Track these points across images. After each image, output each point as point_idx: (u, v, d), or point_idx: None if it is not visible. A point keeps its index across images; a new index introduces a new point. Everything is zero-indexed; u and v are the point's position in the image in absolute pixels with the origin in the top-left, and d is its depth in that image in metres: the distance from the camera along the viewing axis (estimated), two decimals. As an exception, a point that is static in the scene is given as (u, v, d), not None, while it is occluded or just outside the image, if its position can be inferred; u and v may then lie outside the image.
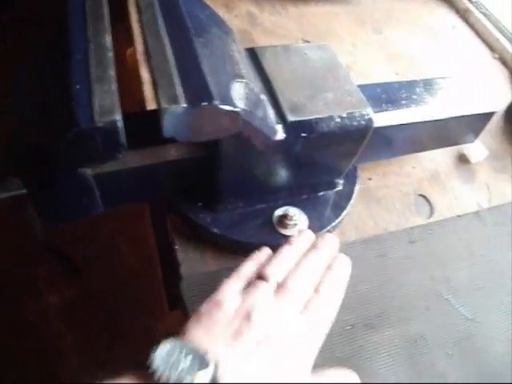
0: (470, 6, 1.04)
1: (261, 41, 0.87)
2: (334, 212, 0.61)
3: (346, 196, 0.63)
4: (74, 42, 0.44)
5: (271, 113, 0.50)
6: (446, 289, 0.59)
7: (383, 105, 0.59)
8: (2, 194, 0.45)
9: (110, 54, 0.43)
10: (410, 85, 0.64)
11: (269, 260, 0.48)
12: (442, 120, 0.62)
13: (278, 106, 0.51)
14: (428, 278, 0.60)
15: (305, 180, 0.59)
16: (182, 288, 0.54)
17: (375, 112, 0.55)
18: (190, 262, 0.56)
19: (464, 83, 0.67)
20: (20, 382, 1.26)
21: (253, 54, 0.56)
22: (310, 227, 0.57)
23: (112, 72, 0.41)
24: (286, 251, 0.49)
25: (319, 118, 0.51)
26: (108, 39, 0.44)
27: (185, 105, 0.39)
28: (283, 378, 0.41)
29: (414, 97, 0.62)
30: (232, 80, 0.45)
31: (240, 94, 0.44)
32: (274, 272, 0.46)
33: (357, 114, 0.53)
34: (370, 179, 0.69)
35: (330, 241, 0.51)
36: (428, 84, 0.65)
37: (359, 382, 0.46)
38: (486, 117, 0.66)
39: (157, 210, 0.84)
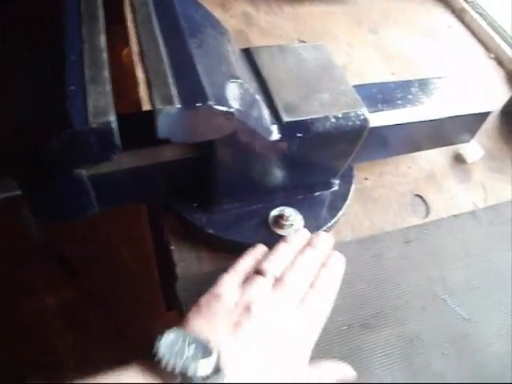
0: (465, 5, 1.04)
1: (257, 41, 0.87)
2: (330, 212, 0.61)
3: (342, 196, 0.63)
4: (68, 43, 0.44)
5: (266, 113, 0.50)
6: (442, 288, 0.59)
7: (379, 105, 0.59)
8: (-3, 195, 0.45)
9: (105, 55, 0.43)
10: (406, 85, 0.64)
11: (265, 256, 0.50)
12: (438, 120, 0.62)
13: (274, 107, 0.51)
14: (424, 278, 0.60)
15: (300, 180, 0.59)
16: (177, 288, 0.54)
17: (370, 112, 0.55)
18: (186, 262, 0.56)
19: (460, 83, 0.67)
20: (20, 382, 1.26)
21: (248, 55, 0.56)
22: (305, 227, 0.57)
23: (106, 73, 0.41)
24: (282, 248, 0.51)
25: (314, 119, 0.51)
26: (102, 40, 0.44)
27: (179, 105, 0.39)
28: (282, 368, 0.43)
29: (410, 97, 0.62)
30: (227, 80, 0.45)
31: (235, 94, 0.44)
32: (272, 267, 0.48)
33: (352, 114, 0.53)
34: (366, 179, 0.69)
35: (325, 239, 0.53)
36: (424, 84, 0.65)
37: (354, 374, 0.48)
38: (482, 117, 0.66)
39: (153, 210, 0.84)
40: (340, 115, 0.52)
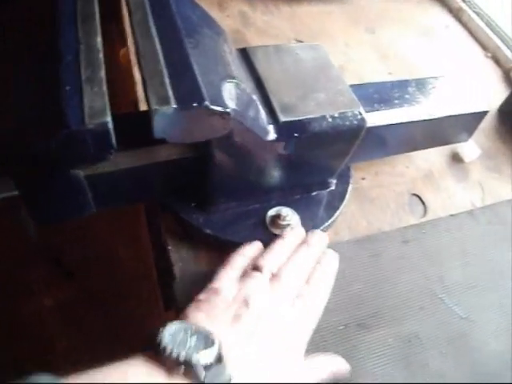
0: (462, 5, 1.04)
1: (253, 41, 0.87)
2: (327, 212, 0.61)
3: (339, 196, 0.63)
4: (64, 43, 0.44)
5: (263, 113, 0.50)
6: (440, 288, 0.59)
7: (375, 104, 0.59)
8: (-5, 196, 0.45)
9: (101, 56, 0.43)
10: (403, 84, 0.64)
11: (261, 252, 0.52)
12: (435, 119, 0.62)
13: (270, 107, 0.51)
14: (422, 278, 0.60)
15: (297, 180, 0.59)
16: (175, 288, 0.54)
17: (367, 112, 0.55)
18: (183, 262, 0.56)
19: (457, 82, 0.67)
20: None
21: (244, 54, 0.56)
22: (303, 227, 0.57)
23: (102, 73, 0.41)
24: (278, 246, 0.52)
25: (311, 118, 0.51)
26: (99, 40, 0.44)
27: (175, 106, 0.39)
28: (279, 361, 0.44)
29: (407, 96, 0.62)
30: (223, 80, 0.45)
31: (231, 94, 0.44)
32: (268, 264, 0.49)
33: (349, 114, 0.53)
34: (363, 179, 0.69)
35: (320, 237, 0.55)
36: (421, 83, 0.65)
37: (347, 367, 0.49)
38: (479, 116, 0.66)
39: (151, 210, 0.84)
40: (337, 115, 0.52)
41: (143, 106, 0.65)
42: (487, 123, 0.81)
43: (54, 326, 1.48)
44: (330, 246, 0.55)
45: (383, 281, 0.58)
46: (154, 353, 0.38)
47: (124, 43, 0.78)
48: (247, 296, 0.45)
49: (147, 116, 0.39)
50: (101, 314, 1.49)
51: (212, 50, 0.49)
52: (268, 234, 0.56)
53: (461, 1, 1.05)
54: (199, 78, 0.42)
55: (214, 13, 0.89)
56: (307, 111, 0.51)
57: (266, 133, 0.49)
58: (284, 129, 0.50)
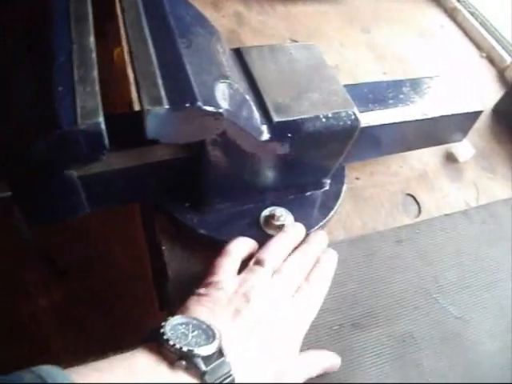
0: (457, 5, 1.04)
1: (249, 41, 0.87)
2: (322, 212, 0.61)
3: (334, 196, 0.63)
4: (57, 44, 0.43)
5: (256, 113, 0.50)
6: (435, 287, 0.59)
7: (370, 104, 0.59)
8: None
9: (94, 56, 0.43)
10: (397, 84, 0.64)
11: (263, 247, 0.52)
12: (430, 119, 0.62)
13: (264, 107, 0.51)
14: (416, 277, 0.60)
15: (291, 180, 0.59)
16: (169, 288, 0.54)
17: (361, 112, 0.55)
18: (177, 262, 0.56)
19: (451, 82, 0.68)
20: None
21: (239, 54, 0.56)
22: (297, 227, 0.57)
23: (95, 73, 0.41)
24: (280, 239, 0.53)
25: (305, 118, 0.51)
26: (91, 40, 0.44)
27: (167, 106, 0.39)
28: (277, 356, 0.44)
29: (401, 96, 0.62)
30: (216, 81, 0.45)
31: (224, 94, 0.44)
32: (270, 258, 0.50)
33: (343, 114, 0.53)
34: (357, 179, 0.69)
35: (321, 237, 0.56)
36: (415, 83, 0.65)
37: (339, 362, 0.50)
38: (474, 116, 0.67)
39: (146, 210, 0.84)
40: (330, 115, 0.52)
41: (138, 107, 0.65)
42: (482, 123, 0.81)
43: (50, 325, 1.48)
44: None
45: (378, 280, 0.58)
46: (157, 346, 0.38)
47: (118, 43, 0.78)
48: (248, 291, 0.46)
49: (140, 116, 0.39)
50: (97, 313, 1.49)
51: (205, 50, 0.49)
52: (262, 235, 0.56)
53: (456, 1, 1.05)
54: (192, 79, 0.42)
55: (209, 13, 0.89)
56: (301, 111, 0.51)
57: (260, 133, 0.49)
58: (277, 129, 0.50)
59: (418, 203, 0.68)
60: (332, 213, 0.61)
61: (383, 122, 0.59)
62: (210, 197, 0.56)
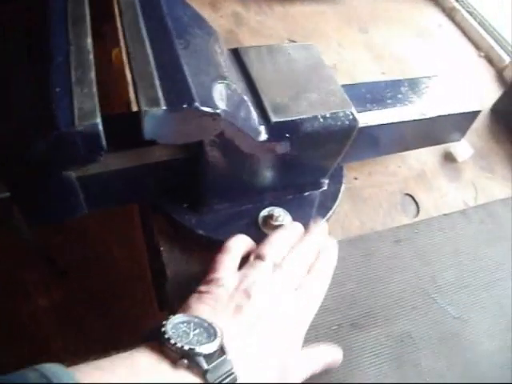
0: (456, 4, 1.04)
1: (247, 41, 0.87)
2: (320, 212, 0.61)
3: (332, 196, 0.63)
4: (55, 45, 0.43)
5: (254, 114, 0.50)
6: (433, 287, 0.59)
7: (368, 104, 0.59)
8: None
9: (91, 57, 0.43)
10: (396, 84, 0.64)
11: (263, 242, 0.52)
12: (428, 119, 0.62)
13: (262, 107, 0.51)
14: (414, 277, 0.60)
15: (290, 180, 0.59)
16: (167, 288, 0.54)
17: (359, 112, 0.55)
18: (176, 262, 0.56)
19: (450, 82, 0.68)
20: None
21: (237, 55, 0.56)
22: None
23: (92, 74, 0.41)
24: (279, 234, 0.53)
25: (303, 119, 0.51)
26: (89, 42, 0.44)
27: (165, 107, 0.39)
28: (279, 352, 0.44)
29: (400, 96, 0.62)
30: (214, 81, 0.45)
31: (222, 95, 0.44)
32: (271, 253, 0.49)
33: (340, 114, 0.53)
34: (355, 179, 0.69)
35: (321, 227, 0.55)
36: (413, 83, 0.65)
37: (341, 356, 0.50)
38: (472, 115, 0.67)
39: (145, 210, 0.84)
40: (328, 115, 0.52)
41: (136, 107, 0.65)
42: (480, 123, 0.81)
43: (50, 326, 1.48)
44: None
45: (376, 280, 0.58)
46: (158, 344, 0.39)
47: (117, 44, 0.78)
48: (249, 287, 0.45)
49: (137, 117, 0.39)
50: (95, 314, 1.49)
51: (203, 50, 0.49)
52: (260, 235, 0.56)
53: (454, 0, 1.05)
54: (189, 79, 0.42)
55: (207, 13, 0.89)
56: (299, 111, 0.51)
57: (258, 133, 0.49)
58: (275, 129, 0.50)
59: (416, 203, 0.68)
60: (330, 213, 0.61)
61: (381, 122, 0.59)
62: (208, 197, 0.56)
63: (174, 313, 0.43)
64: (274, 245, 0.51)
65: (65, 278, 1.57)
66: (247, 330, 0.43)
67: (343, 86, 0.57)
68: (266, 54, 0.57)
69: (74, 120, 0.38)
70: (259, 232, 0.57)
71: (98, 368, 0.36)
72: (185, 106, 0.40)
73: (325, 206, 0.61)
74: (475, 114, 0.66)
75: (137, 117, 0.40)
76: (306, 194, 0.62)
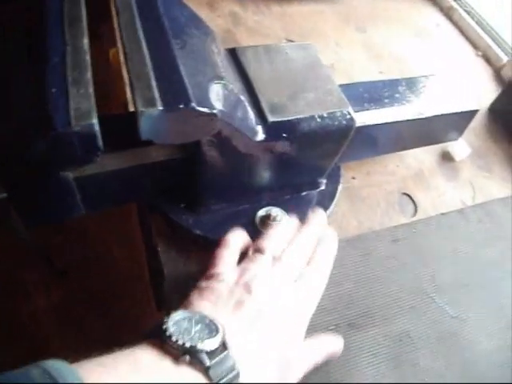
0: (453, 3, 1.04)
1: (244, 41, 0.87)
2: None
3: (330, 195, 0.63)
4: (51, 45, 0.43)
5: (251, 114, 0.50)
6: (431, 287, 0.59)
7: (365, 104, 0.59)
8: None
9: (88, 57, 0.43)
10: (393, 84, 0.64)
11: (263, 235, 0.52)
12: (426, 118, 0.62)
13: (259, 107, 0.51)
14: (412, 277, 0.60)
15: (287, 180, 0.59)
16: (165, 288, 0.54)
17: (357, 111, 0.55)
18: (173, 262, 0.56)
19: (448, 81, 0.68)
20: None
21: (234, 55, 0.56)
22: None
23: (89, 75, 0.41)
24: (279, 227, 0.53)
25: (300, 118, 0.51)
26: (85, 42, 0.44)
27: (161, 107, 0.39)
28: (280, 345, 0.44)
29: (397, 95, 0.62)
30: (211, 81, 0.45)
31: (218, 95, 0.44)
32: (270, 246, 0.49)
33: (338, 114, 0.53)
34: (353, 178, 0.69)
35: (320, 216, 0.55)
36: (411, 82, 0.65)
37: (342, 346, 0.50)
38: (470, 115, 0.67)
39: (143, 210, 0.84)
40: (325, 115, 0.52)
41: (133, 107, 0.65)
42: (478, 122, 0.81)
43: (49, 326, 1.48)
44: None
45: (374, 280, 0.58)
46: (160, 341, 0.38)
47: (114, 44, 0.78)
48: (249, 281, 0.45)
49: (134, 117, 0.39)
50: (95, 314, 1.49)
51: (200, 50, 0.49)
52: (258, 235, 0.56)
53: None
54: (186, 80, 0.42)
55: (205, 13, 0.89)
56: (296, 111, 0.51)
57: (255, 133, 0.49)
58: (272, 129, 0.50)
59: (414, 202, 0.68)
60: (328, 212, 0.61)
61: (379, 122, 0.59)
62: (205, 197, 0.56)
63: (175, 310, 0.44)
64: (273, 238, 0.51)
65: (65, 278, 1.57)
66: (248, 325, 0.43)
67: (340, 85, 0.57)
68: (263, 53, 0.57)
69: (71, 120, 0.38)
70: (256, 232, 0.56)
71: (100, 364, 0.36)
72: (181, 106, 0.40)
73: (322, 206, 0.61)
74: (473, 113, 0.66)
75: (133, 117, 0.39)
76: (304, 193, 0.62)
